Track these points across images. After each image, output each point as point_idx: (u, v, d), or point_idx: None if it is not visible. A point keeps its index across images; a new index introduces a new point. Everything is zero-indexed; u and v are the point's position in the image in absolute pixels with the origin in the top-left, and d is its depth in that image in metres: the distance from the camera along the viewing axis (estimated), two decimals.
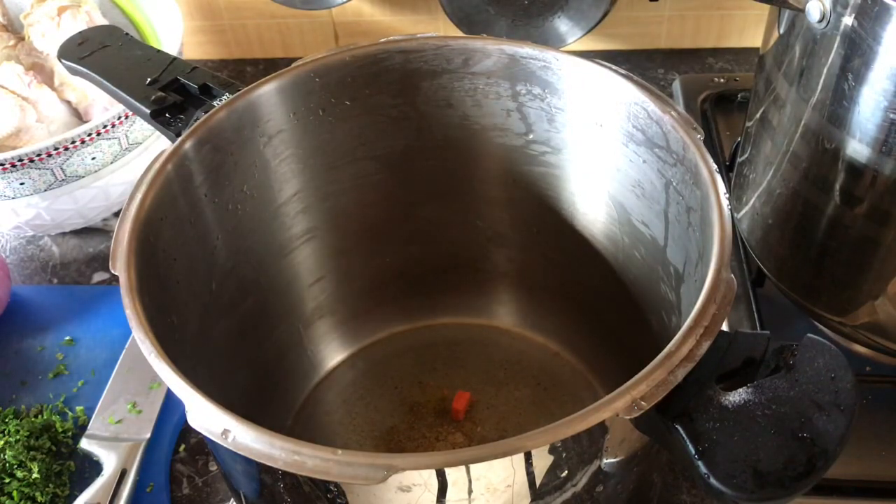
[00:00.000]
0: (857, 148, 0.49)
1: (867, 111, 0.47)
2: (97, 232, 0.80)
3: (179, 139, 0.48)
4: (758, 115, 0.59)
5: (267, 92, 0.52)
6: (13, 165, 0.66)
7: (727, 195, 0.42)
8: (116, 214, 0.78)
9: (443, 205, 0.62)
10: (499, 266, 0.65)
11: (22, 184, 0.68)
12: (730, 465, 0.35)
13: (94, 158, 0.69)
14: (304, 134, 0.55)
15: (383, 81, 0.54)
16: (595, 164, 0.54)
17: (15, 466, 0.59)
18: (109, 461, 0.60)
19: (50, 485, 0.59)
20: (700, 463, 0.36)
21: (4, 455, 0.60)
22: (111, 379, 0.66)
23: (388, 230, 0.62)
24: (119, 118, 0.69)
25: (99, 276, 0.77)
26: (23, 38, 0.80)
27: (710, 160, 0.44)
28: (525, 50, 0.52)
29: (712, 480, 0.35)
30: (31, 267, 0.78)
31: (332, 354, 0.66)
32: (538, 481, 0.40)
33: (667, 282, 0.52)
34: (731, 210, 0.42)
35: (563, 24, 0.83)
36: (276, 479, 0.41)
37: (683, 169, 0.46)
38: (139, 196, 0.45)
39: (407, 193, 0.61)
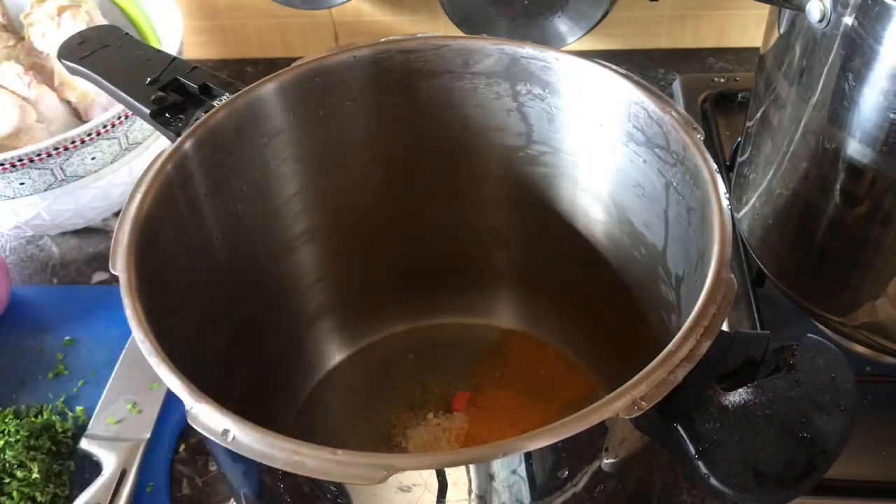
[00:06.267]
0: (858, 148, 0.49)
1: (867, 111, 0.47)
2: (97, 232, 0.80)
3: (179, 139, 0.48)
4: (758, 115, 0.58)
5: (267, 92, 0.52)
6: (13, 165, 0.66)
7: (727, 195, 0.42)
8: (116, 214, 0.78)
9: (443, 205, 0.62)
10: (499, 266, 0.65)
11: (22, 184, 0.68)
12: (730, 465, 0.35)
13: (94, 158, 0.69)
14: (304, 134, 0.55)
15: (383, 81, 0.54)
16: (595, 165, 0.54)
17: (15, 466, 0.59)
18: (109, 461, 0.60)
19: (50, 485, 0.59)
20: (700, 463, 0.36)
21: (4, 455, 0.60)
22: (111, 379, 0.66)
23: (388, 230, 0.62)
24: (119, 118, 0.69)
25: (99, 276, 0.77)
26: (23, 38, 0.80)
27: (710, 160, 0.44)
28: (525, 50, 0.52)
29: (712, 480, 0.35)
30: (31, 267, 0.78)
31: (332, 354, 0.66)
32: (538, 481, 0.40)
33: (667, 282, 0.52)
34: (731, 210, 0.42)
35: (563, 24, 0.83)
36: (276, 479, 0.41)
37: (683, 169, 0.46)
38: (139, 196, 0.45)
39: (407, 193, 0.61)
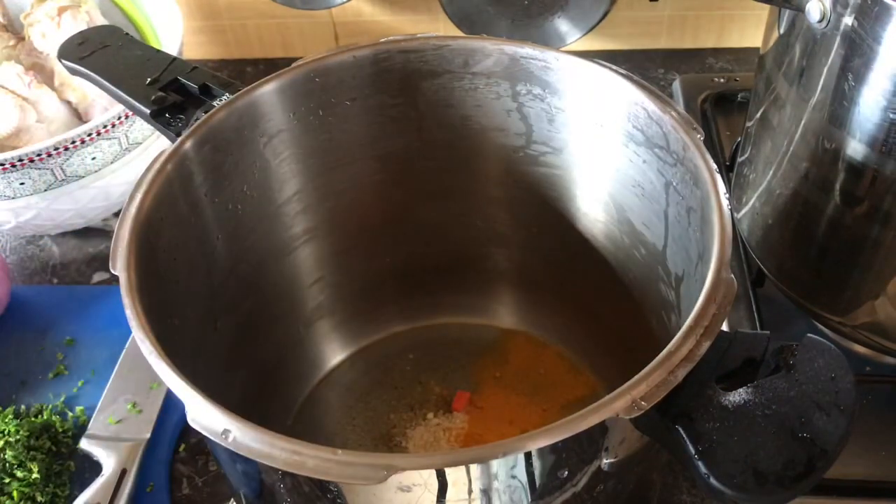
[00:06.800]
0: (857, 148, 0.49)
1: (867, 111, 0.47)
2: (97, 232, 0.80)
3: (179, 139, 0.48)
4: (758, 116, 0.59)
5: (267, 92, 0.52)
6: (13, 165, 0.66)
7: (727, 195, 0.42)
8: (116, 214, 0.78)
9: (443, 205, 0.62)
10: (499, 266, 0.65)
11: (22, 184, 0.68)
12: (730, 465, 0.35)
13: (94, 158, 0.69)
14: (304, 134, 0.55)
15: (383, 81, 0.54)
16: (595, 165, 0.54)
17: (15, 466, 0.59)
18: (109, 461, 0.60)
19: (50, 485, 0.59)
20: (700, 463, 0.36)
21: (4, 455, 0.60)
22: (111, 379, 0.66)
23: (388, 230, 0.62)
24: (119, 118, 0.69)
25: (99, 276, 0.77)
26: (23, 38, 0.80)
27: (710, 160, 0.44)
28: (525, 50, 0.52)
29: (712, 480, 0.35)
30: (31, 267, 0.78)
31: (332, 354, 0.66)
32: (538, 481, 0.40)
33: (667, 282, 0.52)
34: (731, 210, 0.42)
35: (563, 24, 0.83)
36: (276, 479, 0.41)
37: (683, 169, 0.46)
38: (139, 196, 0.45)
39: (407, 193, 0.61)
